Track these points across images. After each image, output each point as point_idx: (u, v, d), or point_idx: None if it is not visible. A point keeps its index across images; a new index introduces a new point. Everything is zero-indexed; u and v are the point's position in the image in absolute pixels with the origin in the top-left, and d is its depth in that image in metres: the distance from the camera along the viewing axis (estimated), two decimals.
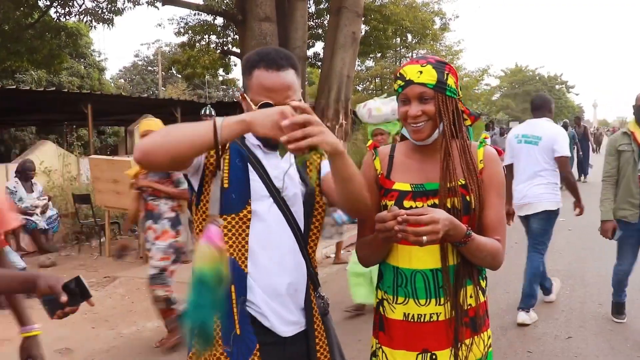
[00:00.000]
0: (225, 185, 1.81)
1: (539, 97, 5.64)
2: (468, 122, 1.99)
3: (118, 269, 7.69)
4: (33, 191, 9.05)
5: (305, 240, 1.90)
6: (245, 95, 1.84)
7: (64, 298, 1.75)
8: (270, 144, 1.84)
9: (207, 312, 1.64)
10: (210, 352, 1.75)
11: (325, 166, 1.89)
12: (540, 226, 5.25)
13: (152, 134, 1.67)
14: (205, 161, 1.84)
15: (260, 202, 1.83)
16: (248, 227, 1.82)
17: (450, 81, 1.85)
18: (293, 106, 1.56)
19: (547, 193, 5.19)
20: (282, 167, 1.85)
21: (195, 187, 1.87)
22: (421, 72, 1.82)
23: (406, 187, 1.90)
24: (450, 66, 1.88)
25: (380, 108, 5.04)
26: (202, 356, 1.79)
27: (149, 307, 6.20)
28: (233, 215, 1.81)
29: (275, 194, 1.84)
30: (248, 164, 1.85)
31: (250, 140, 1.90)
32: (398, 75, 1.89)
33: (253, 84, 1.80)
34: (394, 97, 2.95)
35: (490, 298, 5.66)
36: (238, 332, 1.79)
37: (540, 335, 4.93)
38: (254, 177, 1.84)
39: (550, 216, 5.23)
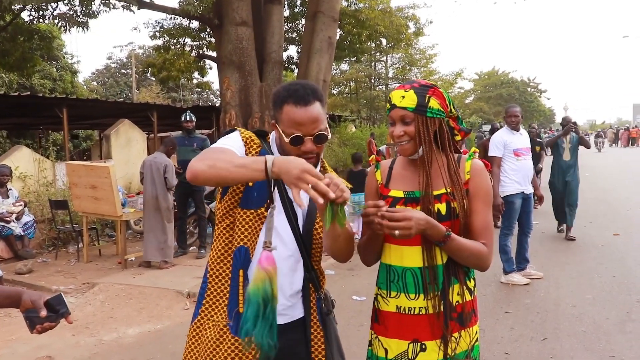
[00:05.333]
0: (250, 184, 2.02)
1: None
2: (458, 137, 2.21)
3: (96, 276, 7.65)
4: (8, 197, 8.95)
5: (307, 247, 2.08)
6: (277, 125, 2.03)
7: (43, 313, 1.87)
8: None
9: (257, 324, 1.78)
10: (267, 355, 1.87)
11: None
12: None
13: (201, 158, 1.85)
14: None
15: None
16: (262, 223, 2.01)
17: (433, 103, 2.06)
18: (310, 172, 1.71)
19: None
20: None
21: None
22: (403, 97, 2.06)
23: (399, 194, 2.13)
24: (434, 89, 2.09)
25: None
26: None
27: (129, 313, 6.21)
28: (252, 211, 2.02)
29: (287, 203, 2.03)
30: None
31: (275, 153, 2.09)
32: (388, 99, 2.12)
33: (283, 117, 1.99)
34: None
35: None
36: (241, 310, 1.97)
37: (516, 337, 5.06)
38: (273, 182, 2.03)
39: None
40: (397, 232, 1.87)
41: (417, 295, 2.05)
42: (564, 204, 9.26)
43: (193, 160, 1.86)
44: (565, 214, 9.27)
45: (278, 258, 1.96)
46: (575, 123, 9.63)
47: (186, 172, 1.85)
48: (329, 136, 2.03)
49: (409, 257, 2.06)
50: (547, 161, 11.21)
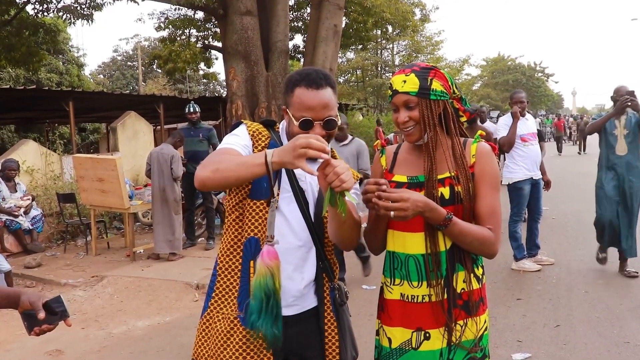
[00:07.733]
0: None
1: None
2: (464, 119, 2.16)
3: (105, 268, 7.65)
4: (16, 191, 8.96)
5: (320, 237, 2.07)
6: (287, 110, 2.01)
7: (41, 315, 1.82)
8: None
9: (262, 316, 1.81)
10: (273, 345, 1.91)
11: None
12: None
13: (205, 165, 1.86)
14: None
15: (282, 195, 2.01)
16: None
17: (435, 85, 2.01)
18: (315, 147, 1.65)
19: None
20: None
21: None
22: (405, 82, 2.01)
23: (403, 178, 2.08)
24: (436, 71, 2.04)
25: None
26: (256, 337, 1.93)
27: (138, 306, 6.20)
28: (262, 201, 2.00)
29: (298, 192, 2.03)
30: None
31: (285, 142, 2.07)
32: (389, 84, 2.08)
33: (294, 101, 1.97)
34: None
35: None
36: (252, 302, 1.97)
37: (529, 324, 5.00)
38: (282, 171, 2.02)
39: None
40: (392, 212, 1.83)
41: (420, 282, 2.01)
42: (617, 220, 6.22)
43: (198, 169, 1.86)
44: (619, 235, 6.23)
45: (287, 248, 1.96)
46: (632, 93, 6.03)
47: (194, 182, 1.87)
48: (339, 123, 1.99)
49: (412, 243, 2.01)
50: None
